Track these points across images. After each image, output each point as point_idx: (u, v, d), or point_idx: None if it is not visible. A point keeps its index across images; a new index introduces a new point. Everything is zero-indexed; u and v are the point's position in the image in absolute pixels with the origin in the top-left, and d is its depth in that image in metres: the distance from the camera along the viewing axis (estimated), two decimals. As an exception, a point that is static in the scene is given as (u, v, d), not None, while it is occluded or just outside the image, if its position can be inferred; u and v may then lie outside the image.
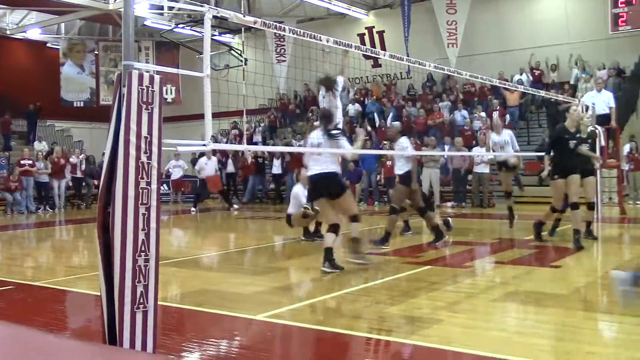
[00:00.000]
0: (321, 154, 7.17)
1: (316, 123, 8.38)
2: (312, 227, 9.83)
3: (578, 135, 8.60)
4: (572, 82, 19.00)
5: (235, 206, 17.86)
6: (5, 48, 26.11)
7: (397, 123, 10.38)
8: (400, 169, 8.91)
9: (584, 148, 8.91)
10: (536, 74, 19.92)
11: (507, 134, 11.03)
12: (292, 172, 18.48)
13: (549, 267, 7.37)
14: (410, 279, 6.68)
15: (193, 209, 17.29)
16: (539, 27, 20.50)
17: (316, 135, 7.36)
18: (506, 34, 21.11)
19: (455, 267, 7.45)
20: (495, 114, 10.17)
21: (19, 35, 25.85)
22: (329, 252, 6.99)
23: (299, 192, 9.80)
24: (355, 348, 4.48)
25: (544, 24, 20.39)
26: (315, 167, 7.23)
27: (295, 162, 18.49)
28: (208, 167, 17.36)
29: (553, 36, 20.05)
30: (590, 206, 9.54)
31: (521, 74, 19.77)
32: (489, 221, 13.50)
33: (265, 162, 20.45)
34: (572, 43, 19.66)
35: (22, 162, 17.84)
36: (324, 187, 7.22)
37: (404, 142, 8.92)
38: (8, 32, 25.43)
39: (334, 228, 7.12)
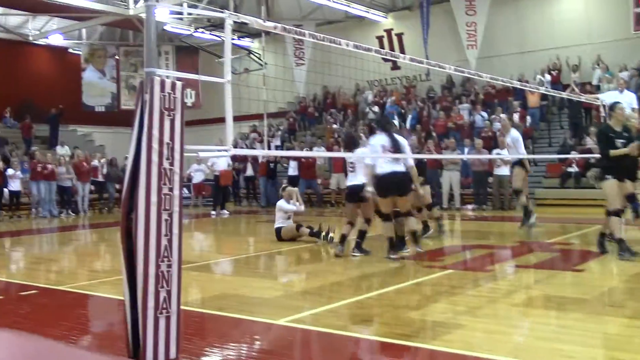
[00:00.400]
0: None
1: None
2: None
3: (626, 134, 8.19)
4: (594, 82, 18.80)
5: (225, 212, 17.60)
6: (27, 54, 26.48)
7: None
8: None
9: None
10: (554, 74, 19.73)
11: (515, 134, 10.91)
12: (304, 179, 18.44)
13: (572, 270, 7.29)
14: (431, 283, 6.65)
15: (213, 212, 17.35)
16: (559, 28, 20.32)
17: (381, 140, 8.11)
18: (526, 35, 20.96)
19: (477, 271, 7.41)
20: (504, 115, 10.06)
21: (41, 41, 26.18)
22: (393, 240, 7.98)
23: (282, 204, 10.48)
24: (376, 353, 4.47)
25: (565, 24, 20.20)
26: (388, 166, 7.94)
27: (305, 167, 18.44)
28: (220, 160, 17.26)
29: (574, 36, 19.86)
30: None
31: (542, 75, 19.61)
32: (510, 224, 13.37)
33: (283, 165, 20.35)
34: (594, 43, 19.46)
35: (38, 166, 17.98)
36: (396, 184, 7.99)
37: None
38: (30, 38, 25.77)
39: (388, 217, 8.10)
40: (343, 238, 8.59)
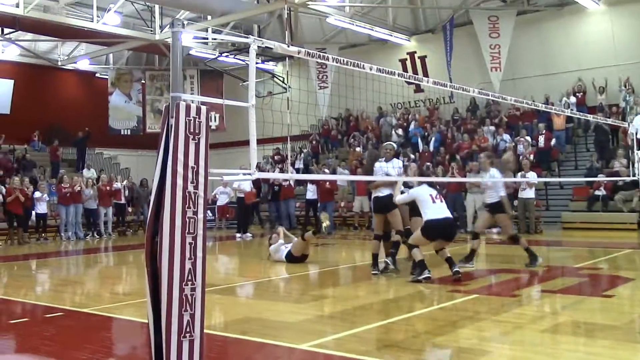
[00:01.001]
0: None
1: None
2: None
3: None
4: (621, 105, 18.62)
5: (249, 234, 17.64)
6: (56, 78, 27.03)
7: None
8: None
9: None
10: (580, 96, 19.57)
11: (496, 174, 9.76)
12: (322, 202, 18.33)
13: (601, 296, 7.15)
14: (456, 308, 6.56)
15: (238, 235, 17.39)
16: (584, 49, 20.20)
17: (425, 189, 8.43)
18: (550, 57, 20.86)
19: (503, 296, 7.29)
20: (483, 155, 9.70)
21: (69, 66, 26.72)
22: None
23: (273, 248, 10.92)
24: (401, 379, 4.41)
25: (590, 45, 20.08)
26: (438, 211, 8.21)
27: (325, 192, 18.36)
28: (245, 182, 17.29)
29: (600, 58, 19.71)
30: None
31: (568, 97, 19.47)
32: (536, 247, 13.15)
33: (300, 186, 20.26)
34: (620, 65, 19.29)
35: (63, 189, 18.22)
36: (449, 231, 8.41)
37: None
38: (59, 63, 26.32)
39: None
40: (374, 258, 8.73)
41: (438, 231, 8.21)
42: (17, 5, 18.63)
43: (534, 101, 10.84)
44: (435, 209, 8.19)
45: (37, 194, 17.86)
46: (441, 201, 8.36)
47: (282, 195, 19.22)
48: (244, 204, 17.80)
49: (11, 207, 16.79)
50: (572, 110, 16.79)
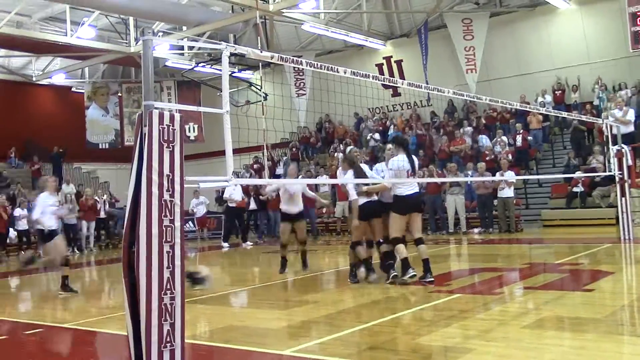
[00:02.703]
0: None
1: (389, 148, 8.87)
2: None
3: None
4: (594, 102, 18.85)
5: (249, 243, 17.66)
6: (31, 94, 26.72)
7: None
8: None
9: None
10: (558, 94, 19.81)
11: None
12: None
13: (582, 291, 7.21)
14: (440, 308, 6.57)
15: (225, 244, 17.31)
16: (557, 49, 20.43)
17: (402, 159, 8.15)
18: (525, 57, 21.07)
19: (485, 294, 7.32)
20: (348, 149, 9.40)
21: (44, 82, 26.48)
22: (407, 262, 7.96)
23: None
24: (386, 381, 4.39)
25: (563, 45, 20.31)
26: (409, 188, 8.07)
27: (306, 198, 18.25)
28: (236, 192, 17.15)
29: (573, 57, 19.96)
30: None
31: (543, 96, 19.68)
32: (517, 246, 13.29)
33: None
34: (593, 63, 19.55)
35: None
36: (418, 204, 8.32)
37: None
38: (34, 78, 26.08)
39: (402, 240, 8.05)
40: (366, 262, 8.56)
41: (411, 204, 8.09)
42: (-11, 22, 18.45)
43: (511, 102, 10.88)
44: (405, 185, 8.08)
45: (18, 211, 17.63)
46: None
47: (271, 205, 19.07)
48: (234, 213, 17.70)
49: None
50: (547, 109, 16.96)
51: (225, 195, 18.06)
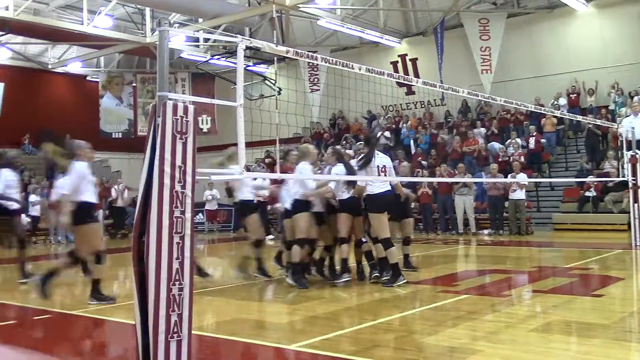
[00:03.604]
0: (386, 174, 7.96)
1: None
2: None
3: None
4: (610, 107, 18.70)
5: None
6: (47, 82, 26.89)
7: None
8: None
9: None
10: (573, 98, 19.67)
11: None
12: None
13: (591, 296, 7.17)
14: (447, 309, 6.55)
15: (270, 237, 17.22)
16: (574, 51, 20.27)
17: (383, 156, 8.15)
18: (541, 59, 20.93)
19: (493, 296, 7.30)
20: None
21: (60, 69, 26.62)
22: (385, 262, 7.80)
23: None
24: (391, 379, 4.39)
25: (580, 47, 20.15)
26: (384, 185, 7.92)
27: None
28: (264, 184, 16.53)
29: (589, 60, 19.77)
30: None
31: (557, 99, 19.55)
32: (527, 249, 13.23)
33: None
34: (609, 67, 19.38)
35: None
36: (393, 203, 8.17)
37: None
38: (50, 66, 26.22)
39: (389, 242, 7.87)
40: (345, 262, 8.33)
41: (387, 204, 7.96)
42: (7, 8, 18.55)
43: (525, 104, 10.81)
44: (381, 182, 7.92)
45: (32, 198, 17.79)
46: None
47: None
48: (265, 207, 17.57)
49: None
50: (562, 112, 16.84)
51: (254, 188, 17.88)
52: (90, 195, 7.19)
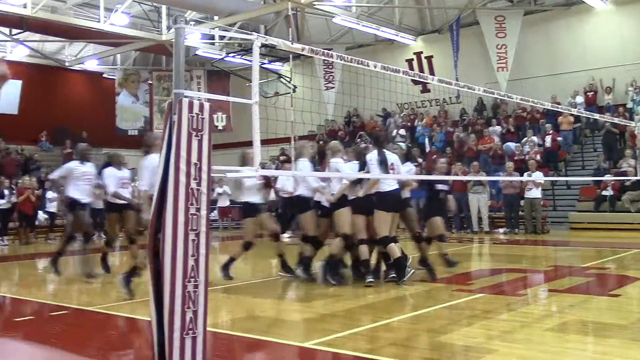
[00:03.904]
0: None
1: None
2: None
3: None
4: (628, 105, 18.51)
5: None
6: (64, 79, 27.11)
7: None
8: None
9: None
10: (590, 96, 19.49)
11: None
12: None
13: (608, 295, 7.10)
14: (462, 307, 6.52)
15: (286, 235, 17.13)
16: (591, 49, 20.08)
17: (391, 154, 8.05)
18: (558, 57, 20.74)
19: (509, 295, 7.26)
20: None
21: (77, 67, 26.82)
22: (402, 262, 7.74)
23: None
24: (405, 378, 4.38)
25: (597, 45, 19.94)
26: (394, 183, 7.88)
27: None
28: (289, 182, 16.03)
29: (607, 58, 19.56)
30: None
31: (574, 97, 19.38)
32: (542, 248, 13.14)
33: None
34: (628, 64, 19.16)
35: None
36: (401, 201, 8.15)
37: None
38: (67, 64, 26.43)
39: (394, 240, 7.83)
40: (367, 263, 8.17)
41: (396, 202, 7.95)
42: (25, 6, 18.71)
43: (542, 102, 10.71)
44: (390, 180, 7.85)
45: (50, 194, 17.97)
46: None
47: None
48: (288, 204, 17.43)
49: (22, 206, 16.84)
50: (579, 110, 16.68)
51: (278, 186, 17.80)
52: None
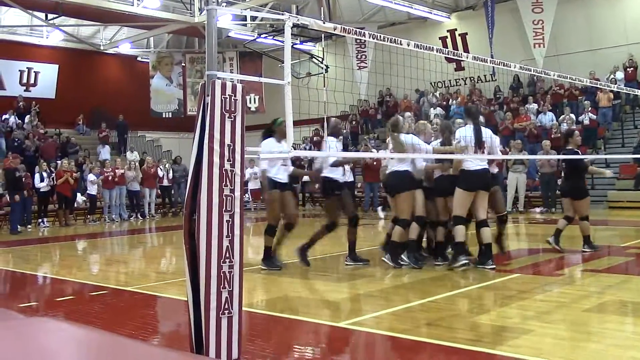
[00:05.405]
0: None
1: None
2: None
3: None
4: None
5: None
6: (99, 63, 27.45)
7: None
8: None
9: None
10: (630, 72, 18.98)
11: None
12: (369, 182, 18.24)
13: (648, 275, 6.97)
14: (498, 287, 6.47)
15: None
16: (632, 23, 19.50)
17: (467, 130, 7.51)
18: (596, 32, 20.21)
19: (546, 276, 7.17)
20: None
21: (111, 50, 27.11)
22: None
23: None
24: (440, 357, 4.37)
25: (638, 19, 19.37)
26: (475, 162, 7.32)
27: (370, 170, 18.06)
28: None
29: (648, 32, 19.02)
30: None
31: (614, 73, 18.90)
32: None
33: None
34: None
35: (108, 174, 18.54)
36: (487, 180, 7.50)
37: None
38: (102, 47, 26.74)
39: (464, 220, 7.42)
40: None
41: (478, 181, 7.39)
42: (59, -9, 18.94)
43: (580, 78, 10.45)
44: (474, 159, 7.35)
45: (91, 177, 18.33)
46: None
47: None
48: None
49: (61, 189, 17.21)
50: (618, 86, 16.26)
51: (316, 166, 17.77)
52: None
